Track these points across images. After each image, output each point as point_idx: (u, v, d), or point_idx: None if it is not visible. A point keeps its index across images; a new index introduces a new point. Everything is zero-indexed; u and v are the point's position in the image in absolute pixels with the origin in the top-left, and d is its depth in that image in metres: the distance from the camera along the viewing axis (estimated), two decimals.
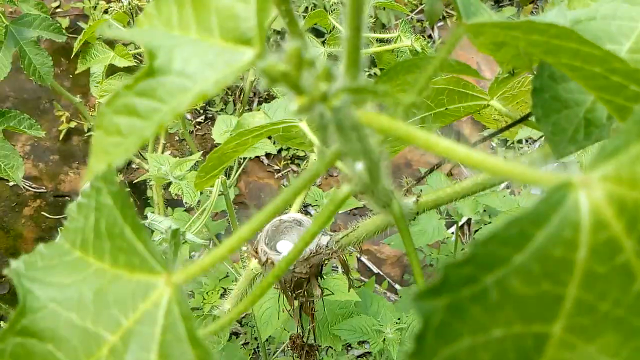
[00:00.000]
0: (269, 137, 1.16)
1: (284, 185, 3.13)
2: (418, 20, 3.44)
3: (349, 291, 1.00)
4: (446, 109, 0.64)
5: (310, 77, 0.21)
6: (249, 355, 2.08)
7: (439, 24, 3.66)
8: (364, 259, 2.87)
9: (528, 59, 0.39)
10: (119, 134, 0.24)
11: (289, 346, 0.98)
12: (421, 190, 0.58)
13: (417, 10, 3.45)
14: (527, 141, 3.32)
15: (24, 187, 2.84)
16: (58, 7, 3.21)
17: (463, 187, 0.58)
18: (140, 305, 0.26)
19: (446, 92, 0.62)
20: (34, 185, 2.89)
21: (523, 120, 0.59)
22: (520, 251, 0.18)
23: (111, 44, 1.54)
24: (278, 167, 3.19)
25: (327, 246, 0.76)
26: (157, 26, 0.26)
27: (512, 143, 3.27)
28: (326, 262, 0.82)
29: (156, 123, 0.24)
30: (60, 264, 0.29)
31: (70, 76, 3.10)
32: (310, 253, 0.72)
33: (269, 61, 0.21)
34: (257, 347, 2.04)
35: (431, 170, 0.65)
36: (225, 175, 1.30)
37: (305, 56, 0.21)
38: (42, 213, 2.81)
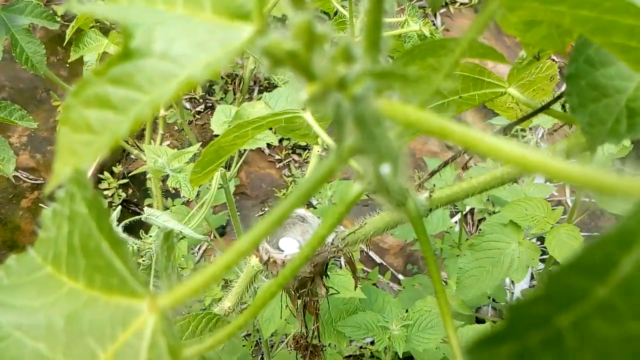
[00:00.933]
0: (270, 129, 1.11)
1: (285, 176, 3.09)
2: (420, 7, 3.39)
3: (355, 290, 0.96)
4: (460, 97, 0.59)
5: (324, 59, 0.17)
6: (251, 347, 2.05)
7: (442, 11, 3.61)
8: (366, 249, 2.84)
9: (561, 41, 0.35)
10: (89, 131, 0.20)
11: (293, 346, 0.94)
12: (434, 185, 0.54)
13: None
14: (530, 129, 3.27)
15: (21, 178, 2.80)
16: None
17: (480, 181, 0.54)
18: (120, 334, 0.22)
19: (460, 79, 0.58)
20: (31, 177, 2.85)
21: (545, 108, 0.54)
22: (602, 282, 0.14)
23: (106, 31, 1.49)
24: (279, 157, 3.15)
25: (332, 244, 0.72)
26: (136, 1, 0.22)
27: (516, 131, 3.22)
28: (331, 260, 0.78)
29: (133, 117, 0.19)
30: (28, 282, 0.25)
31: (67, 65, 3.06)
32: (315, 251, 0.68)
33: (272, 38, 0.17)
34: (259, 339, 2.00)
35: (445, 164, 0.60)
36: (226, 167, 1.26)
37: (317, 32, 0.17)
38: (40, 205, 2.77)
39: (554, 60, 3.05)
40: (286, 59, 0.17)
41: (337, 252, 0.72)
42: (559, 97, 0.53)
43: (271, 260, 0.74)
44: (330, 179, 1.80)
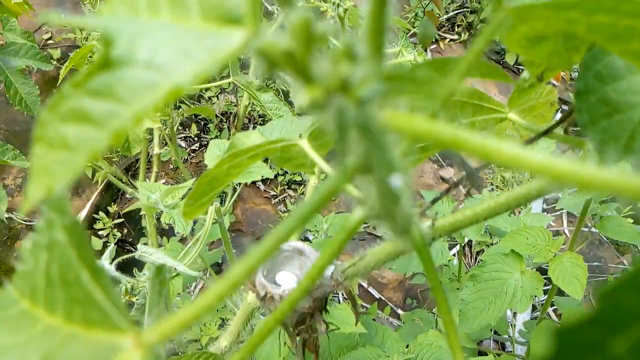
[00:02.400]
0: (265, 160, 1.09)
1: (281, 212, 3.07)
2: (410, 43, 3.41)
3: (356, 325, 0.93)
4: (459, 123, 0.58)
5: (324, 61, 0.15)
6: None
7: (432, 47, 3.65)
8: (364, 284, 2.81)
9: (568, 56, 0.33)
10: (66, 148, 0.18)
11: None
12: (436, 213, 0.52)
13: (410, 33, 3.44)
14: None
15: (16, 220, 2.78)
16: (50, 38, 3.19)
17: (484, 208, 0.52)
18: None
19: (460, 105, 0.56)
20: (26, 219, 2.82)
21: (547, 132, 0.53)
22: None
23: None
24: (275, 193, 3.14)
25: (331, 277, 0.69)
26: (119, 12, 0.20)
27: None
28: (330, 294, 0.75)
29: (113, 131, 0.18)
30: (2, 318, 0.23)
31: None
32: (314, 283, 0.65)
33: (266, 39, 0.15)
34: None
35: (447, 191, 0.58)
36: (220, 203, 1.24)
37: (315, 31, 0.15)
38: None
39: (553, 84, 3.06)
40: (283, 60, 0.15)
41: (337, 285, 0.69)
42: (562, 120, 0.52)
43: (268, 295, 0.71)
44: (325, 212, 1.78)
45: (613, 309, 0.11)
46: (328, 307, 0.84)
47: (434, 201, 0.55)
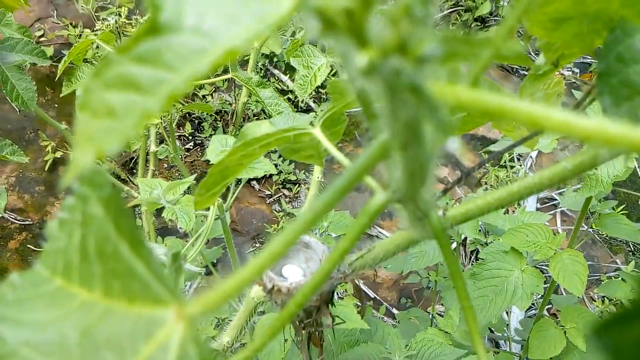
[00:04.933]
0: (266, 156, 1.09)
1: (276, 211, 3.06)
2: None
3: (362, 318, 0.93)
4: (468, 113, 0.58)
5: (380, 20, 0.15)
6: None
7: None
8: (359, 283, 2.81)
9: (590, 39, 0.33)
10: (111, 116, 0.18)
11: None
12: (447, 203, 0.52)
13: None
14: (518, 159, 3.28)
15: (9, 219, 2.76)
16: (42, 36, 3.18)
17: (495, 197, 0.52)
18: (143, 347, 0.19)
19: None
20: (19, 218, 2.80)
21: None
22: None
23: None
24: (270, 192, 3.13)
25: (339, 269, 0.69)
26: None
27: (504, 162, 3.23)
28: (337, 287, 0.75)
29: (162, 98, 0.17)
30: (36, 296, 0.22)
31: (56, 105, 3.05)
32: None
33: None
34: None
35: (459, 181, 0.58)
36: (222, 198, 1.23)
37: None
38: (28, 246, 2.72)
39: (562, 74, 3.07)
40: (340, 20, 0.15)
41: (344, 278, 0.69)
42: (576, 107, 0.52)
43: (275, 288, 0.71)
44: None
45: None
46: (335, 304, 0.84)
47: (445, 191, 0.55)
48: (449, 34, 0.15)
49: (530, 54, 3.14)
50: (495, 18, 3.63)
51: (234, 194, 1.13)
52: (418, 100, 0.16)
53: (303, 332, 0.79)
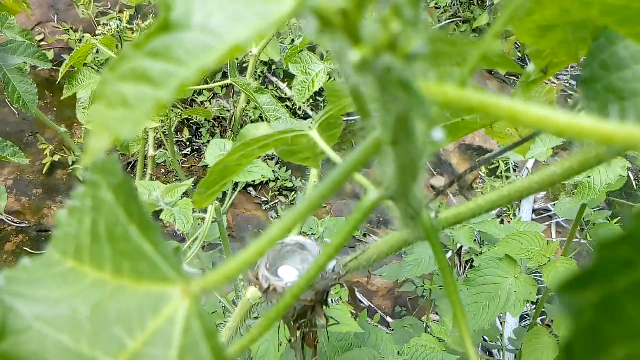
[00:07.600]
0: (263, 162, 1.10)
1: (272, 218, 3.07)
2: None
3: (356, 320, 0.94)
4: (462, 119, 0.59)
5: (371, 23, 0.17)
6: None
7: None
8: (355, 290, 2.81)
9: (575, 47, 0.35)
10: (125, 106, 0.19)
11: None
12: (439, 205, 0.54)
13: None
14: (514, 170, 3.31)
15: (6, 222, 2.77)
16: (42, 40, 3.19)
17: (487, 200, 0.54)
18: (151, 322, 0.21)
19: None
20: (16, 220, 2.81)
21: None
22: None
23: (98, 69, 1.50)
24: (266, 199, 3.14)
25: (333, 270, 0.70)
26: None
27: (500, 173, 3.25)
28: (332, 288, 0.76)
29: (172, 90, 0.19)
30: (48, 276, 0.24)
31: (55, 109, 3.06)
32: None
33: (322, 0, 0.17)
34: None
35: (452, 184, 0.60)
36: (219, 201, 1.25)
37: None
38: (25, 248, 2.73)
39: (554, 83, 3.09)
40: (336, 19, 0.17)
41: (339, 279, 0.70)
42: None
43: (271, 288, 0.72)
44: (322, 216, 1.79)
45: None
46: (329, 305, 0.85)
47: (438, 193, 0.57)
48: (436, 34, 0.17)
49: (523, 62, 3.17)
50: None
51: (230, 198, 1.14)
52: (407, 95, 0.18)
53: (297, 332, 0.81)
